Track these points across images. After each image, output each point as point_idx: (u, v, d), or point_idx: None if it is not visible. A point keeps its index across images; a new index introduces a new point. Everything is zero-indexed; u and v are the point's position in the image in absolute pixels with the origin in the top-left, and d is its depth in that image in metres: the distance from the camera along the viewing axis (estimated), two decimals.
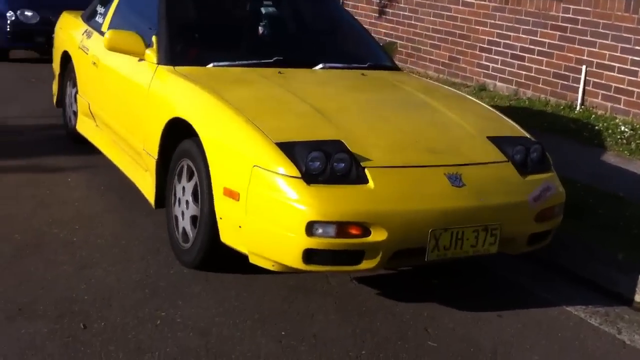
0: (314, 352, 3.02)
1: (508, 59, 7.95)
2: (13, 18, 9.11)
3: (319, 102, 3.70)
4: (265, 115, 3.47)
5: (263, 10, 4.73)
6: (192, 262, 3.63)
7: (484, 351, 3.15)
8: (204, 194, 3.48)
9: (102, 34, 5.09)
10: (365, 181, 3.15)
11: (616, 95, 6.79)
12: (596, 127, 6.45)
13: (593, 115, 6.82)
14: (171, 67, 4.10)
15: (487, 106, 4.31)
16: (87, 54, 5.23)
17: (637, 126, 6.36)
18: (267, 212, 3.14)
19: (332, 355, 3.00)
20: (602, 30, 6.87)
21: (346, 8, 10.63)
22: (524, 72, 7.77)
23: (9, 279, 3.49)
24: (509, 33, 7.91)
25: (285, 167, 3.12)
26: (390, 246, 3.10)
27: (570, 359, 3.17)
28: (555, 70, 7.39)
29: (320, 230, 3.03)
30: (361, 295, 3.59)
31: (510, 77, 7.93)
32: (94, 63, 5.04)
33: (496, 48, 8.09)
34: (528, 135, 3.85)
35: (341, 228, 3.03)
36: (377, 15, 10.00)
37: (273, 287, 3.58)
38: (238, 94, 3.73)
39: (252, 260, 3.31)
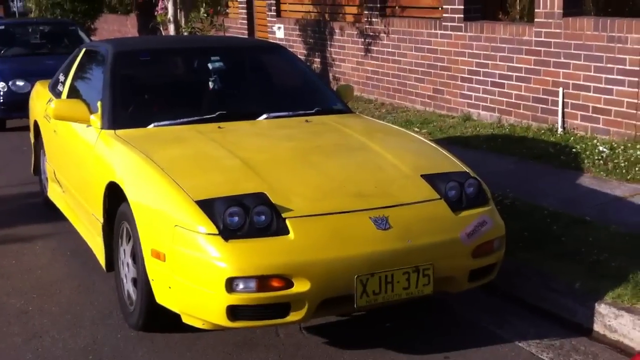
0: None
1: (489, 87, 7.90)
2: (6, 89, 9.35)
3: (249, 155, 3.71)
4: (189, 173, 3.49)
5: (210, 65, 4.78)
6: (136, 324, 3.64)
7: None
8: (139, 257, 3.49)
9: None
10: (286, 232, 3.13)
11: (595, 115, 6.70)
12: (574, 150, 6.35)
13: (572, 138, 6.72)
14: (112, 132, 4.16)
15: (430, 143, 4.27)
16: (49, 122, 5.33)
17: (615, 145, 6.24)
18: (190, 271, 3.14)
19: None
20: (574, 51, 6.81)
21: (333, 49, 10.74)
22: (504, 99, 7.71)
23: None
24: (486, 61, 7.88)
25: (203, 224, 3.12)
26: (315, 296, 3.06)
27: None
28: (534, 95, 7.33)
29: (241, 286, 3.02)
30: (308, 345, 3.54)
31: (493, 105, 7.88)
32: (55, 131, 5.14)
33: (477, 77, 8.05)
34: (467, 170, 3.80)
35: (262, 282, 3.01)
36: (363, 54, 10.05)
37: (218, 344, 3.56)
38: (168, 153, 3.76)
39: (185, 320, 3.30)
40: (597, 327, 3.65)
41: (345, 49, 10.50)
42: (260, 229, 3.12)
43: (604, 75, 6.55)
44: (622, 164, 5.82)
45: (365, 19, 9.90)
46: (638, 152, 5.96)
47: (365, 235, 3.19)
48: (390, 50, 9.50)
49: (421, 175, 3.63)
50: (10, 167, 7.51)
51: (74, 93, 5.12)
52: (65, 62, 5.81)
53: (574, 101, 6.89)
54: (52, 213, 5.60)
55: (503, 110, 7.73)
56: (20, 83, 9.38)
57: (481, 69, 7.97)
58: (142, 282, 3.46)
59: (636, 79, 6.25)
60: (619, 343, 3.51)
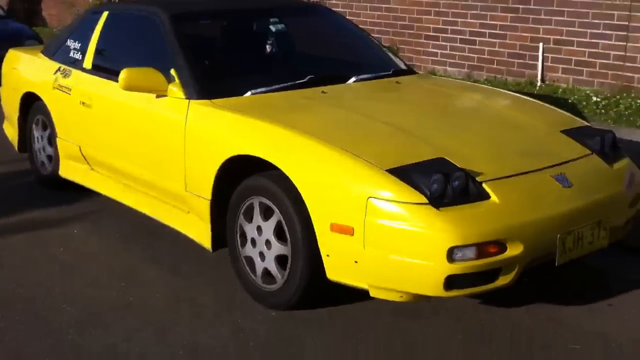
0: None
1: (457, 44, 8.05)
2: None
3: (392, 120, 3.54)
4: (355, 141, 3.27)
5: (273, 28, 4.49)
6: (287, 302, 3.39)
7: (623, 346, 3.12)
8: (295, 232, 3.25)
9: (85, 70, 4.70)
10: (487, 196, 3.04)
11: (577, 68, 7.03)
12: (569, 101, 6.64)
13: (560, 90, 7.03)
14: (207, 101, 3.80)
15: (529, 98, 4.31)
16: (69, 94, 4.79)
17: (609, 95, 6.60)
18: (394, 243, 2.96)
19: None
20: (557, 8, 7.08)
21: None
22: (475, 55, 7.90)
23: None
24: (455, 19, 8.00)
25: (407, 194, 2.95)
26: (525, 258, 3.01)
27: None
28: (509, 51, 7.56)
29: (460, 255, 2.90)
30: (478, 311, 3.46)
31: (462, 62, 8.04)
32: (83, 103, 4.62)
33: (443, 35, 8.17)
34: (588, 123, 3.87)
35: (481, 249, 2.91)
36: None
37: (372, 315, 3.41)
38: (307, 122, 3.51)
39: (374, 293, 3.13)
40: None
41: None
42: (463, 195, 3.01)
43: (589, 30, 6.87)
44: (625, 112, 6.18)
45: None
46: (637, 101, 6.34)
47: (556, 194, 3.17)
48: (339, 10, 9.37)
49: (561, 131, 3.66)
50: None
51: (106, 60, 4.62)
52: (71, 26, 5.22)
53: (555, 55, 7.19)
54: (56, 193, 5.07)
55: (474, 66, 7.92)
56: None
57: (449, 27, 8.09)
58: (305, 259, 3.22)
59: (624, 33, 6.62)
60: None
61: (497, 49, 7.66)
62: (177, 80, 3.94)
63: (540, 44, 7.24)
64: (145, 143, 4.17)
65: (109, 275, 3.93)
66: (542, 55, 7.25)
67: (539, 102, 4.23)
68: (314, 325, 3.34)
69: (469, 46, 7.93)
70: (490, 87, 4.70)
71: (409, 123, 3.55)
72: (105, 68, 4.58)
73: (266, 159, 3.35)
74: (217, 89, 3.90)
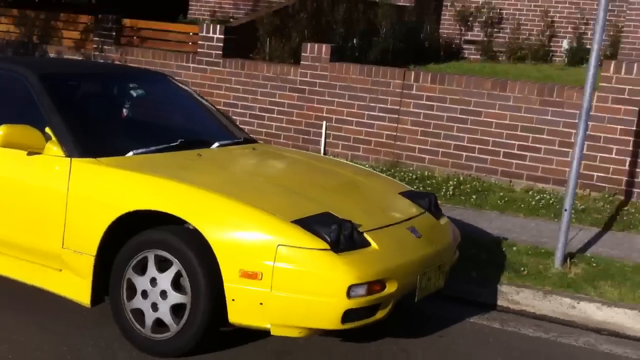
0: None
1: (247, 119, 8.78)
2: None
3: (272, 180, 4.12)
4: (253, 197, 3.76)
5: (134, 93, 4.82)
6: (182, 348, 3.69)
7: None
8: (197, 281, 3.60)
9: None
10: (368, 244, 3.71)
11: (355, 145, 8.14)
12: None
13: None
14: (92, 159, 4.02)
15: (362, 166, 5.14)
16: None
17: (384, 169, 7.76)
18: (299, 284, 3.49)
19: None
20: (339, 91, 8.17)
21: None
22: (264, 130, 8.68)
23: None
24: (246, 95, 8.75)
25: (312, 241, 3.52)
26: (397, 295, 3.72)
27: None
28: (296, 127, 8.47)
29: (355, 292, 3.52)
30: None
31: (251, 135, 8.75)
32: None
33: (234, 109, 8.85)
34: (412, 188, 4.78)
35: (370, 287, 3.56)
36: None
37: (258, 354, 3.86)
38: (204, 180, 3.92)
39: (275, 332, 3.60)
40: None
41: None
42: (351, 243, 3.64)
43: (366, 112, 8.04)
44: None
45: (95, 46, 9.82)
46: (408, 173, 7.54)
47: (413, 243, 3.95)
48: None
49: (399, 193, 4.50)
50: None
51: None
52: None
53: (335, 132, 8.25)
54: None
55: (263, 140, 8.68)
56: None
57: (239, 102, 8.81)
58: (204, 306, 3.58)
59: (396, 116, 7.89)
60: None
61: (284, 124, 8.53)
62: (54, 138, 4.09)
63: (324, 122, 8.26)
64: (9, 200, 4.17)
65: None
66: (325, 132, 8.27)
67: (371, 170, 5.08)
68: None
69: (258, 121, 8.71)
70: (330, 157, 5.46)
71: (287, 183, 4.16)
72: None
73: (174, 213, 3.68)
74: (99, 148, 4.14)
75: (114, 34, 9.69)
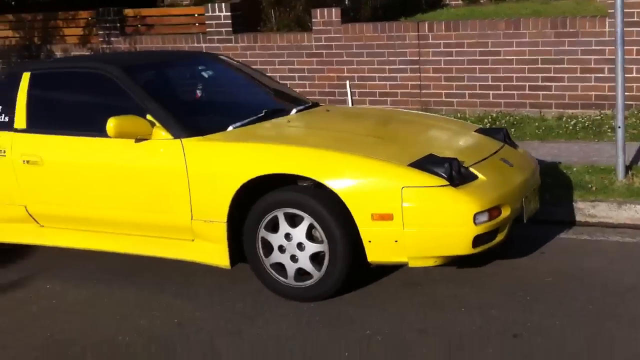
0: None
1: None
2: None
3: (370, 133, 4.43)
4: (365, 150, 4.04)
5: (205, 74, 5.08)
6: (328, 291, 4.02)
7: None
8: (330, 230, 3.90)
9: (20, 130, 4.76)
10: (476, 177, 4.02)
11: (382, 98, 8.42)
12: None
13: None
14: (201, 137, 4.26)
15: (428, 113, 5.45)
16: (3, 156, 4.76)
17: None
18: (428, 219, 3.81)
19: None
20: (356, 50, 8.41)
21: None
22: None
23: None
24: (264, 67, 8.94)
25: (431, 180, 3.83)
26: (511, 218, 4.06)
27: None
28: (320, 90, 8.71)
29: (478, 219, 3.84)
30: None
31: None
32: (27, 162, 4.66)
33: None
34: (481, 126, 5.11)
35: (491, 213, 3.89)
36: None
37: (387, 286, 4.18)
38: (315, 141, 4.20)
39: (412, 264, 3.93)
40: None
41: None
42: (462, 177, 3.94)
43: (387, 67, 8.31)
44: None
45: (101, 39, 9.89)
46: None
47: (510, 171, 4.29)
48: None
49: (474, 132, 4.81)
50: None
51: (50, 118, 4.75)
52: None
53: (361, 90, 8.51)
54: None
55: None
56: None
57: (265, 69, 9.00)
58: (342, 250, 3.89)
59: (417, 66, 8.17)
60: None
61: (308, 89, 8.76)
62: (157, 124, 4.31)
63: (347, 82, 8.51)
64: (129, 186, 4.41)
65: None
66: (350, 91, 8.53)
67: (437, 115, 5.38)
68: None
69: None
70: (391, 108, 5.74)
71: (381, 134, 4.48)
72: (53, 125, 4.68)
73: (304, 174, 3.94)
74: (201, 127, 4.38)
75: (118, 25, 9.76)
